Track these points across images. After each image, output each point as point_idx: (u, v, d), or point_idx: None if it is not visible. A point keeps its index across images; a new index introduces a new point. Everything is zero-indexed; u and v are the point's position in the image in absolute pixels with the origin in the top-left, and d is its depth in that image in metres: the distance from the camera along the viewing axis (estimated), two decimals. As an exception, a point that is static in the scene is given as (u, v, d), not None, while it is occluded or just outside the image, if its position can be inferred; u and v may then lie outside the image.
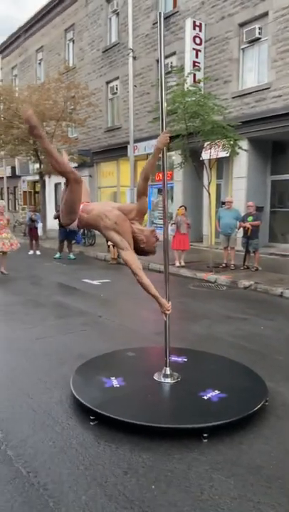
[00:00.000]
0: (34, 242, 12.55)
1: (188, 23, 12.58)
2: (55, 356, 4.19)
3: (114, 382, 3.31)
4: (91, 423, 2.87)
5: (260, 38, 11.38)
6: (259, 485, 2.29)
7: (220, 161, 11.88)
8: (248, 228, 9.03)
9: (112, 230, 3.00)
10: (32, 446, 2.64)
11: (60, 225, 11.52)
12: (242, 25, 11.82)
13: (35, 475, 2.36)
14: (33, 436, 2.74)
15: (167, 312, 3.23)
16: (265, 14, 11.10)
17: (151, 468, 2.42)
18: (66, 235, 11.51)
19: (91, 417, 2.89)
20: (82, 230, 14.05)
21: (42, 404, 3.16)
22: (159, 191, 15.26)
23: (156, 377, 3.40)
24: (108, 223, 2.99)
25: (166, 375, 3.38)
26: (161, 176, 13.69)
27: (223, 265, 9.38)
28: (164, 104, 3.23)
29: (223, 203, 10.20)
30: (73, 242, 12.10)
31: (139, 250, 3.11)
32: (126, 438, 2.71)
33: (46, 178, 17.84)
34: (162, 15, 3.25)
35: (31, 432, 2.80)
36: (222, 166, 12.73)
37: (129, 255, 3.00)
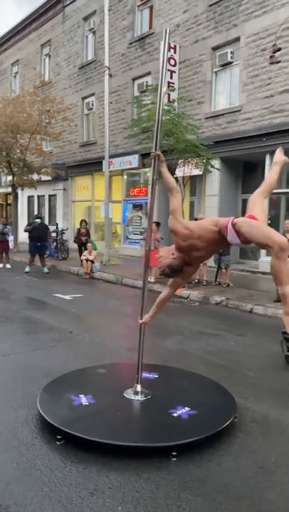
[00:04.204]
0: (4, 255, 12.30)
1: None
2: (23, 374, 4.06)
3: (84, 400, 3.24)
4: (58, 443, 2.79)
5: (232, 62, 11.80)
6: (227, 503, 2.27)
7: (193, 179, 12.10)
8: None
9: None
10: (-6, 468, 2.53)
11: (31, 239, 11.35)
12: (215, 48, 12.23)
13: (-4, 499, 2.26)
14: (-4, 458, 2.63)
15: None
16: (237, 39, 11.55)
17: (119, 489, 2.36)
18: (38, 249, 11.35)
19: (58, 437, 2.81)
20: (55, 244, 13.88)
21: (6, 425, 3.05)
22: (134, 207, 15.36)
23: (126, 394, 3.36)
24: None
25: (136, 392, 3.34)
26: (136, 191, 13.73)
27: (196, 281, 9.47)
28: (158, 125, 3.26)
29: (196, 219, 10.35)
30: (46, 255, 11.93)
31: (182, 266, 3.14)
32: (93, 458, 2.64)
33: (19, 191, 17.61)
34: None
35: (-6, 453, 2.69)
36: (195, 183, 12.96)
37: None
